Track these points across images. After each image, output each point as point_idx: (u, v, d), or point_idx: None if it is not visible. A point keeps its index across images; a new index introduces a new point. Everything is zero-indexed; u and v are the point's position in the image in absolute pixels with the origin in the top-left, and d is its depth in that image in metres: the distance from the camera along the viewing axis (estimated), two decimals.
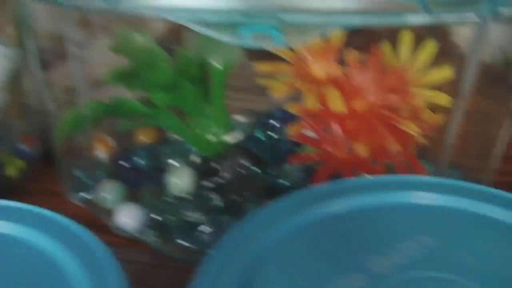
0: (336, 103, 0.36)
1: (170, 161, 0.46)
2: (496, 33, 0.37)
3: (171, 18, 0.30)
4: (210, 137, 0.44)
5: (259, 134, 0.46)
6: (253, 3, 0.29)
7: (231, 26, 0.29)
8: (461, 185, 0.32)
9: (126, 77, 0.39)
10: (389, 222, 0.30)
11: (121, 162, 0.48)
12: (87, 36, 0.44)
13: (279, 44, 0.29)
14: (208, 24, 0.30)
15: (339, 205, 0.31)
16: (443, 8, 0.28)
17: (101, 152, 0.49)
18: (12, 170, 0.51)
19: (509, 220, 0.30)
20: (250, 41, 0.29)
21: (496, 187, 0.43)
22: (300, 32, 0.29)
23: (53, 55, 0.43)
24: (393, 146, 0.36)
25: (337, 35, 0.37)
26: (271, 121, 0.47)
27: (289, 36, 0.29)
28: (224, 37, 0.30)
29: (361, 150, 0.36)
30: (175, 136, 0.47)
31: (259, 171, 0.43)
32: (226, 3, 0.29)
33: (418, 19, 0.29)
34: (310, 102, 0.37)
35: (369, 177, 0.35)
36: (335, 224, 0.30)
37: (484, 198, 0.31)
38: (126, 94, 0.43)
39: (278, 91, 0.37)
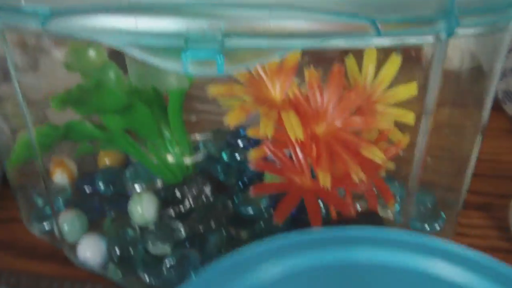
0: (294, 128, 0.33)
1: (133, 186, 0.43)
2: (466, 40, 0.35)
3: (107, 42, 0.28)
4: (171, 160, 0.42)
5: (225, 156, 0.44)
6: (194, 26, 0.26)
7: (171, 51, 0.27)
8: (406, 238, 0.30)
9: (72, 102, 0.37)
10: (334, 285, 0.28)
11: (81, 187, 0.46)
12: (29, 58, 0.42)
13: (223, 71, 0.27)
14: (146, 49, 0.27)
15: (279, 267, 0.29)
16: (398, 29, 0.26)
17: (61, 177, 0.46)
18: None
19: (455, 277, 0.28)
20: (191, 67, 0.27)
21: (466, 207, 0.41)
22: (246, 56, 0.27)
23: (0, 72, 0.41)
24: (357, 174, 0.33)
25: (294, 53, 0.35)
26: (237, 141, 0.44)
27: (234, 61, 0.27)
28: (164, 64, 0.27)
29: (323, 179, 0.33)
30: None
31: (223, 198, 0.40)
32: (167, 27, 0.27)
33: (373, 40, 0.26)
34: (267, 127, 0.34)
35: (325, 230, 0.32)
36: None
37: (430, 252, 0.29)
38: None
39: (233, 119, 0.34)
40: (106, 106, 0.38)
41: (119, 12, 0.27)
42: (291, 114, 0.34)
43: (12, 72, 0.36)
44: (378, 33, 0.25)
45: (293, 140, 0.34)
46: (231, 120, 0.34)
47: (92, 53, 0.40)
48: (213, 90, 0.36)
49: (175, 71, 0.28)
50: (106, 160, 0.47)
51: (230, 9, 0.26)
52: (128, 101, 0.38)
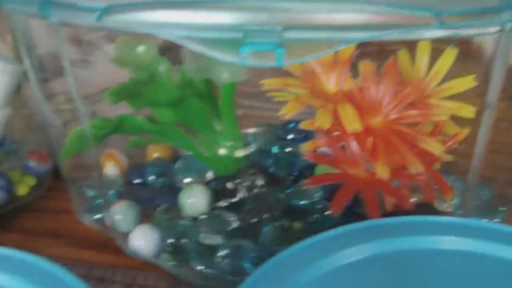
0: (351, 120, 0.33)
1: (184, 179, 0.43)
2: None
3: (164, 35, 0.27)
4: (222, 153, 0.42)
5: (275, 149, 0.44)
6: (253, 18, 0.26)
7: (230, 44, 0.27)
8: (487, 227, 0.29)
9: (126, 95, 0.37)
10: (413, 271, 0.27)
11: (132, 179, 0.46)
12: (83, 52, 0.42)
13: (282, 64, 0.26)
14: (205, 42, 0.27)
15: (361, 251, 0.29)
16: (461, 20, 0.25)
17: (112, 169, 0.47)
18: (23, 189, 0.49)
19: None
20: (250, 59, 0.26)
21: None
22: (305, 49, 0.27)
23: (52, 68, 0.41)
24: (415, 166, 0.33)
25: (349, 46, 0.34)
26: (287, 135, 0.44)
27: (293, 54, 0.26)
28: (223, 56, 0.27)
29: (381, 170, 0.33)
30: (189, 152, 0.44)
31: (275, 190, 0.40)
32: (225, 19, 0.26)
33: (435, 32, 0.26)
34: (324, 120, 0.33)
35: (392, 219, 0.32)
36: (358, 271, 0.28)
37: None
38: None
39: (289, 111, 0.34)
40: (159, 99, 0.38)
41: (177, 6, 0.27)
42: (348, 107, 0.33)
43: (67, 67, 0.36)
44: (442, 25, 0.25)
45: (349, 133, 0.34)
46: (288, 112, 0.34)
47: (141, 48, 0.40)
48: (267, 83, 0.35)
49: (233, 63, 0.27)
50: (155, 153, 0.48)
51: (290, 2, 0.26)
52: (181, 95, 0.39)
